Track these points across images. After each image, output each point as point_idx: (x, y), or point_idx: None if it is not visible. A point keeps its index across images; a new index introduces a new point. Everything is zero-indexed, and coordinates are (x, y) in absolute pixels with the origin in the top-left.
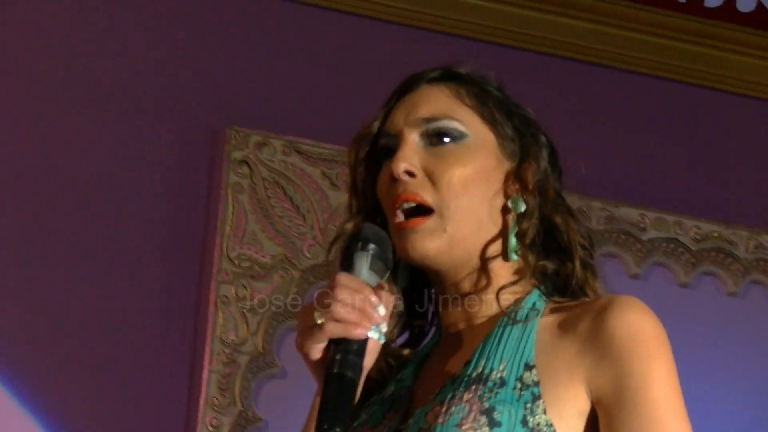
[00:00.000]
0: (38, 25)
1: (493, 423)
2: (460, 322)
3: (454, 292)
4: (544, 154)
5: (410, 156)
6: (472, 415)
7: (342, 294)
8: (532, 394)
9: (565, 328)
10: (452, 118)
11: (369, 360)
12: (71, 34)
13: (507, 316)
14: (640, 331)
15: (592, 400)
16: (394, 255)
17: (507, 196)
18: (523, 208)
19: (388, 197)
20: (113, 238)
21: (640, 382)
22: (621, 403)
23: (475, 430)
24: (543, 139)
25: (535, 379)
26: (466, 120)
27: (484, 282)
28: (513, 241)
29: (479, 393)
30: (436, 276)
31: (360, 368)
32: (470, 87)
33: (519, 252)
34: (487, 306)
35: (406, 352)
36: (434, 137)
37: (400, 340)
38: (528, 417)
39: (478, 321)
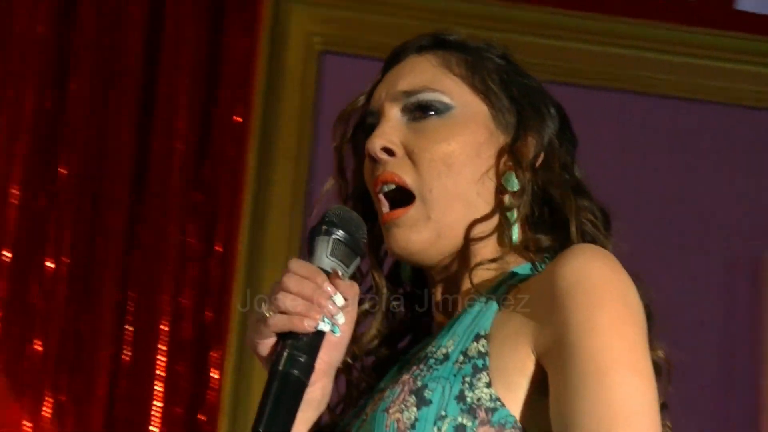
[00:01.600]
0: None
1: (422, 401)
2: (443, 304)
3: (441, 276)
4: (550, 125)
5: (389, 132)
6: (402, 396)
7: (289, 283)
8: (475, 367)
9: (527, 292)
10: (434, 90)
11: (330, 356)
12: None
13: (479, 293)
14: (584, 277)
15: (538, 360)
16: (376, 240)
17: (501, 174)
18: (516, 186)
19: (369, 181)
20: None
21: (579, 332)
22: (560, 359)
23: (402, 411)
24: (550, 109)
25: (483, 349)
26: (451, 90)
27: (494, 265)
28: (510, 219)
29: (415, 373)
30: (429, 271)
31: (309, 366)
32: (462, 54)
33: (510, 232)
34: (484, 284)
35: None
36: (417, 111)
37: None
38: (466, 392)
39: (460, 302)
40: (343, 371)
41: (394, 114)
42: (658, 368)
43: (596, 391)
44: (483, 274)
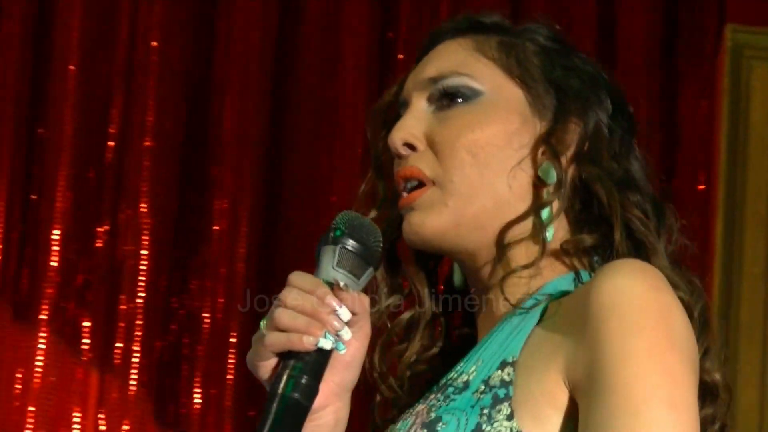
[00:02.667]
0: None
1: None
2: (482, 320)
3: (478, 284)
4: (597, 110)
5: (411, 124)
6: (414, 428)
7: (288, 297)
8: (495, 397)
9: (563, 311)
10: (461, 74)
11: (341, 376)
12: None
13: (514, 309)
14: (621, 300)
15: (571, 392)
16: (393, 246)
17: (537, 165)
18: (553, 178)
19: (395, 179)
20: None
21: (611, 362)
22: (591, 391)
23: None
24: (600, 94)
25: (507, 378)
26: (482, 75)
27: (527, 272)
28: (542, 217)
29: (431, 402)
30: (469, 276)
31: (312, 388)
32: (499, 36)
33: (543, 231)
34: (516, 298)
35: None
36: (444, 99)
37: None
38: (483, 426)
39: (495, 318)
40: (379, 390)
41: (420, 104)
42: (713, 391)
43: (626, 426)
44: (518, 284)
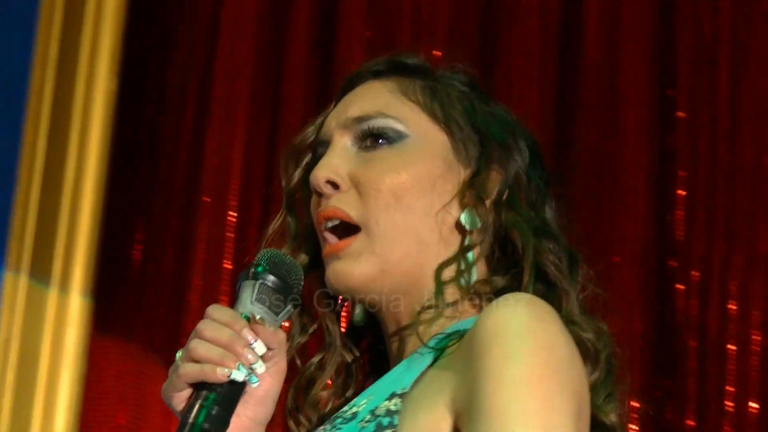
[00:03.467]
0: None
1: None
2: (392, 360)
3: (391, 326)
4: (517, 159)
5: (335, 164)
6: None
7: (204, 329)
8: (379, 425)
9: (458, 349)
10: (387, 116)
11: (254, 411)
12: None
13: (421, 348)
14: (504, 328)
15: (455, 421)
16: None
17: (460, 210)
18: (477, 224)
19: (315, 217)
20: None
21: (489, 387)
22: (472, 415)
23: None
24: (519, 142)
25: (393, 407)
26: (407, 118)
27: (436, 312)
28: (468, 260)
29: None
30: (380, 317)
31: (223, 420)
32: (422, 80)
33: (468, 274)
34: (425, 338)
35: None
36: (368, 139)
37: None
38: None
39: (402, 357)
40: (289, 426)
41: (343, 143)
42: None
43: None
44: (434, 324)
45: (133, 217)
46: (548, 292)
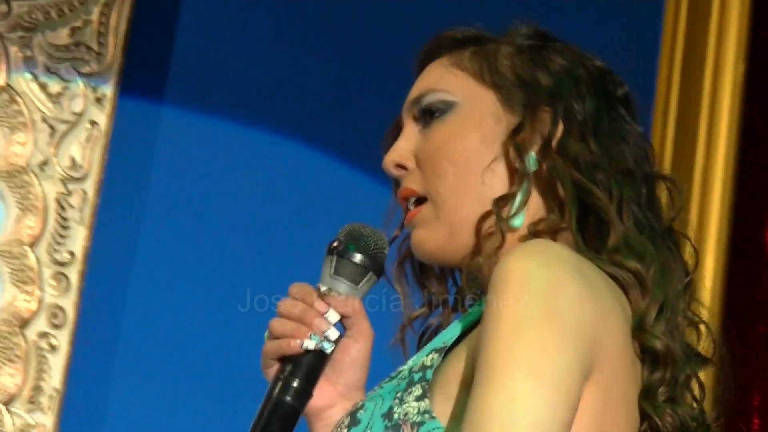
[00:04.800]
0: None
1: (353, 422)
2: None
3: (483, 283)
4: (568, 98)
5: (401, 146)
6: (343, 417)
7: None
8: (410, 381)
9: None
10: (435, 90)
11: (345, 377)
12: None
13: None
14: (507, 276)
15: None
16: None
17: (510, 157)
18: (529, 167)
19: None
20: None
21: (488, 335)
22: (477, 364)
23: None
24: (575, 81)
25: (429, 363)
26: (455, 86)
27: (490, 262)
28: (511, 209)
29: (367, 392)
30: (468, 270)
31: (303, 391)
32: (472, 47)
33: (501, 221)
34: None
35: None
36: (426, 116)
37: None
38: (394, 408)
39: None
40: None
41: (410, 126)
42: (658, 357)
43: (483, 395)
44: (489, 273)
45: (764, 209)
46: (601, 225)
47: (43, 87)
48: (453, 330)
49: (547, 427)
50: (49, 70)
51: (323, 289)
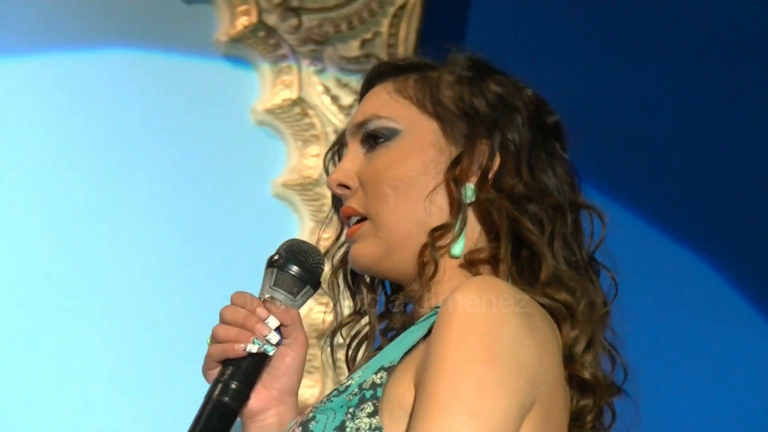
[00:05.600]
0: None
1: None
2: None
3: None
4: (504, 129)
5: (345, 167)
6: (293, 427)
7: (225, 313)
8: (362, 398)
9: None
10: (380, 117)
11: (280, 382)
12: None
13: (416, 319)
14: (455, 311)
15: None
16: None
17: (450, 188)
18: (467, 198)
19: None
20: None
21: (433, 368)
22: (418, 392)
23: None
24: (510, 112)
25: (379, 381)
26: (399, 114)
27: (426, 286)
28: (448, 236)
29: (316, 404)
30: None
31: (240, 393)
32: (416, 74)
33: (434, 250)
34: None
35: None
36: (371, 141)
37: None
38: (347, 423)
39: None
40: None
41: (354, 147)
42: (587, 385)
43: (425, 430)
44: (426, 298)
45: None
46: (533, 258)
47: (334, 99)
48: (398, 348)
49: None
50: (340, 83)
51: (265, 297)
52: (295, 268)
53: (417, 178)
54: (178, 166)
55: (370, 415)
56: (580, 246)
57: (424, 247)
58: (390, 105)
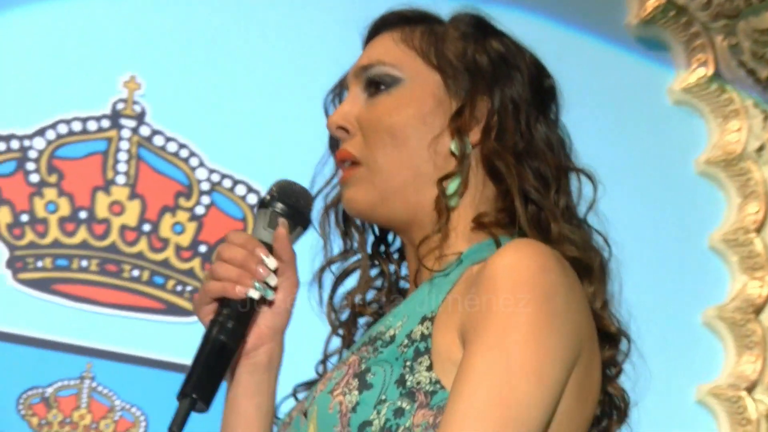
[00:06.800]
0: None
1: (364, 386)
2: (412, 280)
3: (409, 249)
4: (505, 87)
5: (346, 110)
6: (346, 378)
7: (224, 251)
8: (417, 350)
9: (470, 278)
10: (385, 63)
11: (271, 321)
12: None
13: (435, 272)
14: (512, 276)
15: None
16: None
17: (449, 140)
18: (467, 150)
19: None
20: None
21: (489, 330)
22: (475, 346)
23: (345, 394)
24: (511, 70)
25: (427, 331)
26: (403, 63)
27: (438, 237)
28: (448, 187)
29: (362, 354)
30: (402, 239)
31: (238, 333)
32: (424, 26)
33: (444, 200)
34: (437, 262)
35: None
36: (372, 86)
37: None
38: (406, 376)
39: (421, 279)
40: (333, 329)
41: (355, 91)
42: (612, 338)
43: (483, 391)
44: (432, 248)
45: None
46: (540, 213)
47: (751, 73)
48: (431, 297)
49: (538, 422)
50: (755, 56)
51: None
52: (287, 210)
53: (416, 127)
54: (601, 152)
55: (428, 369)
56: (575, 207)
57: (417, 191)
58: (395, 53)
